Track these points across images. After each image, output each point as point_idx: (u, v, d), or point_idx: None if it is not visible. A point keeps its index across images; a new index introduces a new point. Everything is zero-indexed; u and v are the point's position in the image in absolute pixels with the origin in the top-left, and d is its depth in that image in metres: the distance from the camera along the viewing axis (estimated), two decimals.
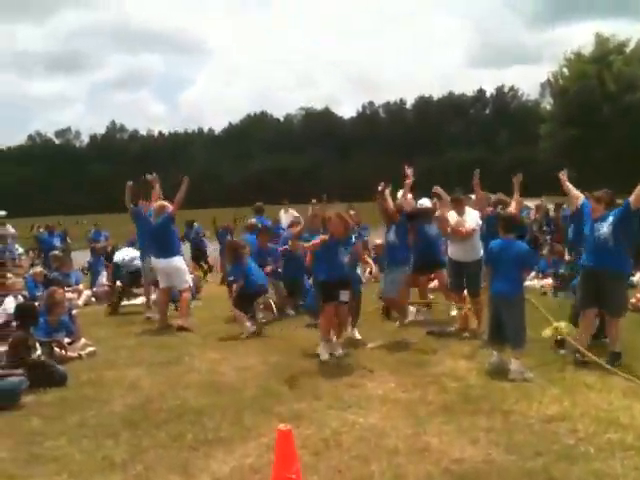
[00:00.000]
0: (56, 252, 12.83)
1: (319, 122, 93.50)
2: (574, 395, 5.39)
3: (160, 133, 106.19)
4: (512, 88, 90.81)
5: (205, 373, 6.71)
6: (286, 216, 14.03)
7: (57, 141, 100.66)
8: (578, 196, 7.22)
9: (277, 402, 5.53)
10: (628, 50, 29.66)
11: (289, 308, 10.08)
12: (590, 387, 5.61)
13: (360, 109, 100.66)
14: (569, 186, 8.08)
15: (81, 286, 12.52)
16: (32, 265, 12.49)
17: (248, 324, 8.48)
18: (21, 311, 7.07)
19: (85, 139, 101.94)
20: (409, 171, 8.61)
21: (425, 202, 9.50)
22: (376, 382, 6.00)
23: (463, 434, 4.63)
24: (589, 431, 4.59)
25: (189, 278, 9.59)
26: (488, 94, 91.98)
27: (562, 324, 6.62)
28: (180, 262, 9.36)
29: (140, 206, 9.81)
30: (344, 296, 7.07)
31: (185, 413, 5.37)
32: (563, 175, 8.29)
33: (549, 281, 11.57)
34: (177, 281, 9.22)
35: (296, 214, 13.21)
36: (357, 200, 13.83)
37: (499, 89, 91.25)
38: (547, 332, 6.64)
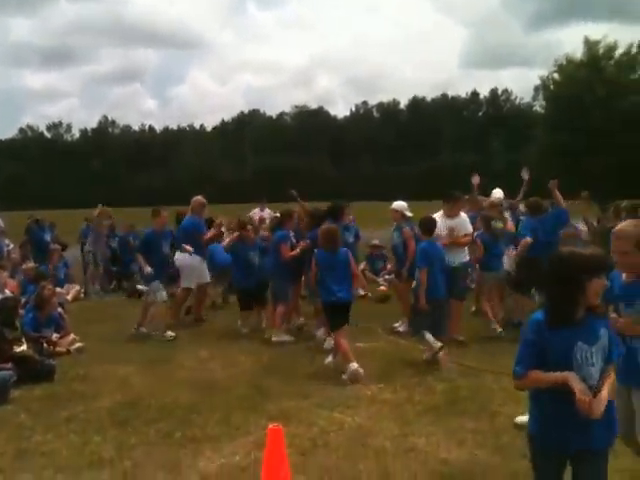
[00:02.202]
0: (52, 246, 12.75)
1: (312, 121, 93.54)
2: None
3: (151, 128, 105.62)
4: (506, 90, 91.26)
5: (195, 371, 6.72)
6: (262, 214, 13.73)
7: (48, 135, 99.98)
8: None
9: (266, 401, 5.55)
10: (617, 54, 29.65)
11: None
12: None
13: (354, 109, 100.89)
14: (558, 196, 8.20)
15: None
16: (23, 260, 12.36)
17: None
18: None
19: (76, 133, 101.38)
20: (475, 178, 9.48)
21: (498, 193, 9.72)
22: (364, 382, 6.03)
23: (450, 435, 4.67)
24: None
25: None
26: (482, 96, 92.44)
27: None
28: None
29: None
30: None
31: (174, 411, 5.38)
32: (553, 185, 8.42)
33: None
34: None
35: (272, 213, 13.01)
36: (349, 199, 13.75)
37: (493, 91, 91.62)
38: None
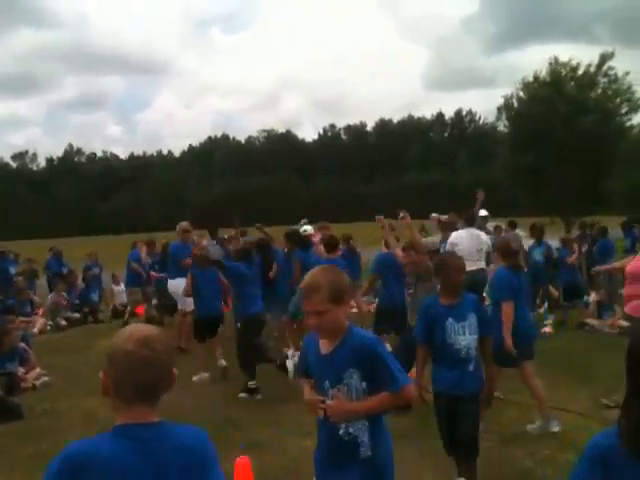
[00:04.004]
0: (19, 279, 12.52)
1: (281, 144, 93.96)
2: (531, 416, 5.45)
3: (113, 155, 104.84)
4: (470, 112, 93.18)
5: (162, 402, 6.56)
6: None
7: (14, 164, 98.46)
8: None
9: (237, 431, 5.46)
10: (579, 74, 30.67)
11: None
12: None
13: (321, 132, 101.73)
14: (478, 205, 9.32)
15: (40, 312, 12.26)
16: None
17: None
18: None
19: (42, 162, 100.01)
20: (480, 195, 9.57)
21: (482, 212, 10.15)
22: None
23: (424, 458, 4.64)
24: (546, 453, 4.65)
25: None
26: (447, 117, 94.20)
27: None
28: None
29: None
30: None
31: None
32: (480, 195, 8.96)
33: None
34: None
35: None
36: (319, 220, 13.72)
37: (457, 112, 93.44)
38: None
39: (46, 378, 7.54)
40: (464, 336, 3.96)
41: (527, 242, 11.09)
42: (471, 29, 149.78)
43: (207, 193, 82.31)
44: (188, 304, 8.56)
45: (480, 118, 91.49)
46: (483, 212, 10.60)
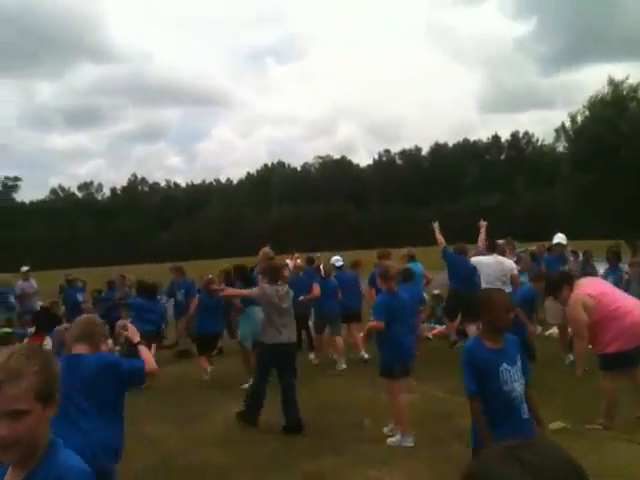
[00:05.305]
0: (86, 306, 12.94)
1: (336, 170, 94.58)
2: (602, 449, 5.25)
3: (176, 184, 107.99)
4: (527, 133, 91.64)
5: (225, 428, 6.66)
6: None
7: (79, 194, 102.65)
8: None
9: (299, 458, 5.46)
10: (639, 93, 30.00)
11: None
12: (618, 440, 5.47)
13: (376, 157, 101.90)
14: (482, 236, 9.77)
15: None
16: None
17: None
18: None
19: (107, 192, 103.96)
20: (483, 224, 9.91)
21: (559, 238, 10.33)
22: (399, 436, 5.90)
23: None
24: None
25: None
26: (503, 139, 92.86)
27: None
28: None
29: None
30: None
31: (206, 472, 5.32)
32: (482, 225, 9.70)
33: None
34: None
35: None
36: (374, 247, 13.72)
37: (514, 134, 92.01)
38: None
39: None
40: (518, 382, 3.58)
41: (600, 266, 10.86)
42: (525, 49, 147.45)
43: (264, 220, 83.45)
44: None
45: (537, 140, 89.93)
46: (561, 238, 10.37)
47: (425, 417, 6.53)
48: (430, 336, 11.30)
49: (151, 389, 8.69)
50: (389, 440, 5.88)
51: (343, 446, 5.73)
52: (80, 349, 3.51)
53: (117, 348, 12.44)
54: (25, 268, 14.35)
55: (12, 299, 13.56)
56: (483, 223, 9.97)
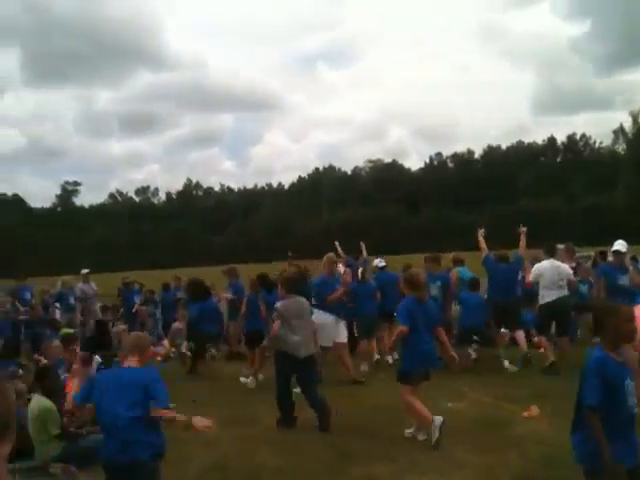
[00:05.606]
0: (142, 308, 13.28)
1: (387, 174, 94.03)
2: None
3: (229, 189, 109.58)
4: (584, 135, 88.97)
5: (276, 430, 6.71)
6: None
7: (137, 199, 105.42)
8: None
9: (351, 464, 5.46)
10: None
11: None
12: None
13: (428, 160, 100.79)
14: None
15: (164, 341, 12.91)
16: (113, 324, 12.95)
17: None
18: None
19: (162, 196, 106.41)
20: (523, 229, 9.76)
21: (619, 245, 9.39)
22: (452, 443, 5.79)
23: None
24: None
25: None
26: (559, 142, 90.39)
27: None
28: None
29: None
30: None
31: (261, 475, 5.38)
32: (522, 231, 9.65)
33: None
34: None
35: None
36: (425, 251, 13.50)
37: (570, 136, 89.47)
38: None
39: (171, 404, 7.86)
40: (633, 398, 3.42)
41: None
42: (579, 51, 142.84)
43: (315, 224, 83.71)
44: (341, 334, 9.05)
45: (595, 142, 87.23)
46: (621, 245, 9.38)
47: (476, 425, 6.43)
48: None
49: (203, 390, 8.88)
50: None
51: (395, 452, 5.69)
52: (131, 362, 4.34)
53: (172, 350, 12.73)
54: (85, 270, 14.84)
55: (72, 301, 14.06)
56: (523, 229, 9.82)
